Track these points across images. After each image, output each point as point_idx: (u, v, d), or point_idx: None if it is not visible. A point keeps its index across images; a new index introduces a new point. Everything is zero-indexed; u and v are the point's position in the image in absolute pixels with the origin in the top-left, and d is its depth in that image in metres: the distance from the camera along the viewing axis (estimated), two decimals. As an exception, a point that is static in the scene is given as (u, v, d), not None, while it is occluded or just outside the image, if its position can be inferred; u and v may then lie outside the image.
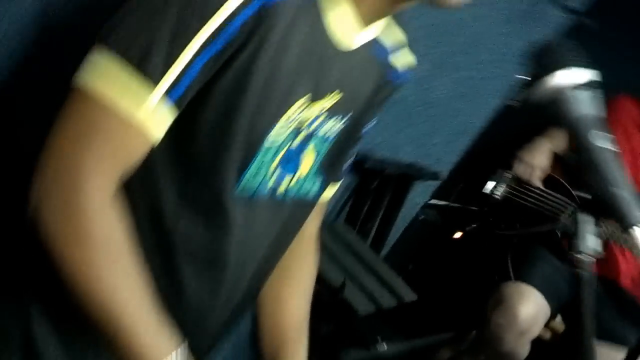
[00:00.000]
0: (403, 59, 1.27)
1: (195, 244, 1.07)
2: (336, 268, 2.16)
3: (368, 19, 1.11)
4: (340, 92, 1.14)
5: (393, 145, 2.46)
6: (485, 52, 2.41)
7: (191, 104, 0.97)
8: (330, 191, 1.35)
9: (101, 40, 0.93)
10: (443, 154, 2.71)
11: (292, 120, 1.08)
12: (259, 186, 1.09)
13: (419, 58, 2.20)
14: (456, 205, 3.22)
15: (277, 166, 1.11)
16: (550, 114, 1.02)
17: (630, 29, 3.49)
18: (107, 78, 0.92)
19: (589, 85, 1.00)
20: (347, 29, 1.09)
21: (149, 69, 0.91)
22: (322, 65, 1.08)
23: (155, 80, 0.92)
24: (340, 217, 2.49)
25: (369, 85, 1.21)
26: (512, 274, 2.80)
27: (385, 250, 2.81)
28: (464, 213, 3.16)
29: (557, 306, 2.82)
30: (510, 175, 3.03)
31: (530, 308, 2.74)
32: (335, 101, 1.14)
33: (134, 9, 0.93)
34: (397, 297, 2.23)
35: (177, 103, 0.95)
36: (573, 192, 2.94)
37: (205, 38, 0.92)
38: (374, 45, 1.18)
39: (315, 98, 1.10)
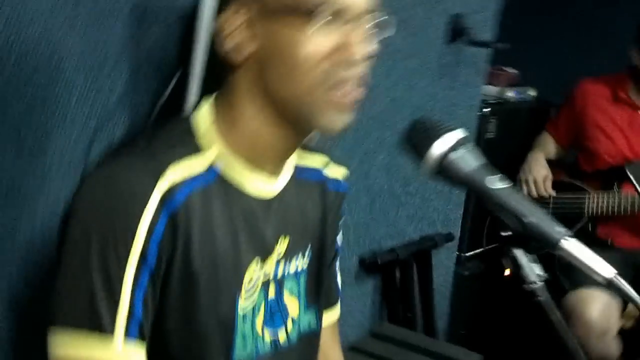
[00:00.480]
0: (336, 172, 1.34)
1: None
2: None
3: (274, 167, 1.17)
4: (286, 235, 1.20)
5: (396, 233, 2.53)
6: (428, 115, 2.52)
7: (155, 323, 1.05)
8: (333, 314, 1.40)
9: (51, 323, 1.02)
10: (447, 214, 2.77)
11: (255, 281, 1.14)
12: (255, 351, 1.15)
13: (377, 149, 2.32)
14: (493, 246, 3.25)
15: (263, 324, 1.16)
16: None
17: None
18: (71, 350, 1.00)
19: (462, 142, 1.08)
20: (260, 183, 1.15)
21: (101, 324, 0.99)
22: (255, 224, 1.14)
23: (110, 330, 1.00)
24: (383, 319, 2.54)
25: (315, 209, 1.27)
26: (567, 286, 2.81)
27: (443, 324, 2.83)
28: (503, 250, 3.18)
29: (624, 293, 2.81)
30: None
31: (598, 308, 2.73)
32: (286, 245, 1.20)
33: (63, 283, 1.02)
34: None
35: (141, 334, 1.02)
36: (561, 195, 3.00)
37: (133, 272, 1.00)
38: (303, 171, 1.25)
39: (264, 256, 1.16)
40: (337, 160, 1.35)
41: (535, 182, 3.08)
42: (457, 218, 2.86)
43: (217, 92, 1.17)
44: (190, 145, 1.10)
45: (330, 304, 1.39)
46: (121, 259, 1.00)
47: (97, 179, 1.04)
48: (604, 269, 1.01)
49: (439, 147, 1.08)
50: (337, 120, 1.11)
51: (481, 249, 3.21)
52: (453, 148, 1.08)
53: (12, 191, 1.34)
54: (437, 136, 1.09)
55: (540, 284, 1.05)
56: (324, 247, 1.30)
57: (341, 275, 2.25)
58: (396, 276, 2.48)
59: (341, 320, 2.26)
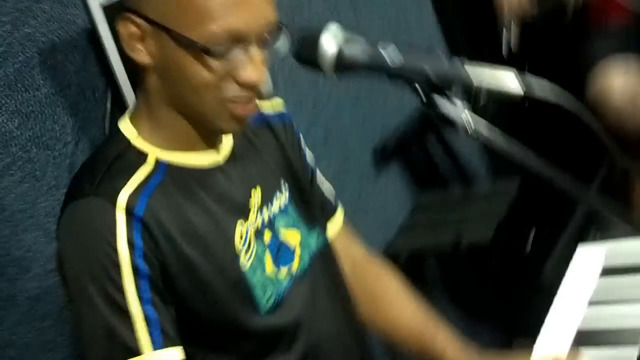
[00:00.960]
0: (273, 106, 1.39)
1: None
2: (445, 232, 2.29)
3: (213, 141, 1.22)
4: (256, 186, 1.25)
5: (397, 113, 2.57)
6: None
7: (182, 313, 1.12)
8: (337, 221, 1.45)
9: None
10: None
11: (246, 236, 1.20)
12: (276, 291, 1.22)
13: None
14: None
15: (273, 267, 1.23)
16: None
17: None
18: None
19: (345, 34, 1.11)
20: (206, 156, 1.20)
21: (128, 349, 1.06)
22: (221, 191, 1.20)
23: (137, 349, 1.06)
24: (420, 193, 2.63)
25: (271, 148, 1.33)
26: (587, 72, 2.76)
27: (482, 166, 2.87)
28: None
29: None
30: (510, 25, 3.04)
31: (618, 88, 2.65)
32: (260, 194, 1.26)
33: (82, 330, 1.09)
34: (505, 195, 2.31)
35: (168, 338, 1.09)
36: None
37: (134, 288, 1.06)
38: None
39: (244, 214, 1.22)
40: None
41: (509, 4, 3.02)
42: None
43: (135, 99, 1.22)
44: (128, 160, 1.15)
45: (329, 215, 1.45)
46: (118, 284, 1.06)
47: (64, 227, 1.12)
48: (514, 85, 1.04)
49: (327, 47, 1.10)
50: (235, 127, 1.18)
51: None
52: (340, 42, 1.10)
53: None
54: (319, 39, 1.10)
55: (467, 115, 1.07)
56: (295, 174, 1.36)
57: (361, 175, 2.36)
58: (412, 150, 2.53)
59: (381, 213, 2.38)
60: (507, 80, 1.06)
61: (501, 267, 2.31)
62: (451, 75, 1.07)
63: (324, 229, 1.40)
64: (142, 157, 1.16)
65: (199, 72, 1.09)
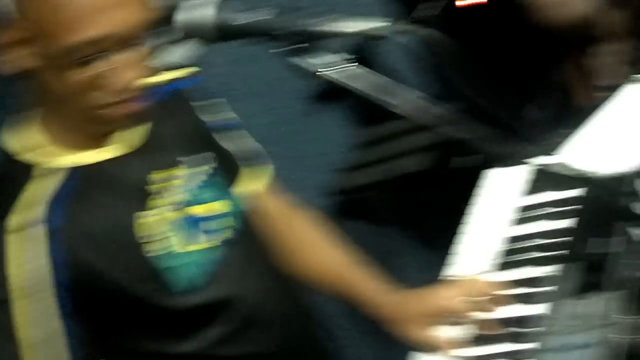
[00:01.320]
0: (178, 75, 1.38)
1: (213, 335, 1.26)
2: (386, 165, 2.29)
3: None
4: (174, 164, 1.26)
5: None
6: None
7: (108, 314, 1.17)
8: (258, 179, 1.45)
9: None
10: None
11: (162, 222, 1.21)
12: (207, 264, 1.24)
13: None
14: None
15: (197, 245, 1.24)
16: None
17: None
18: None
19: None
20: (118, 147, 1.21)
21: None
22: (134, 182, 1.21)
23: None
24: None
25: (183, 120, 1.33)
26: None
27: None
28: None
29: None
30: None
31: None
32: (179, 171, 1.26)
33: None
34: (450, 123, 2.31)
35: (89, 353, 1.14)
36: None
37: (53, 302, 1.11)
38: (152, 96, 1.25)
39: (164, 199, 1.23)
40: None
41: None
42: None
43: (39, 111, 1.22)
44: (30, 173, 1.17)
45: (248, 173, 1.44)
46: (39, 303, 1.11)
47: None
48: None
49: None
50: (117, 126, 1.19)
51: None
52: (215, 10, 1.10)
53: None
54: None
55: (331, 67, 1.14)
56: (210, 140, 1.37)
57: (295, 123, 2.36)
58: (347, 91, 2.51)
59: (321, 158, 2.38)
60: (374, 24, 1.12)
61: (450, 190, 2.32)
62: (313, 30, 1.11)
63: (245, 189, 1.41)
64: (48, 171, 1.18)
65: (67, 83, 1.10)
